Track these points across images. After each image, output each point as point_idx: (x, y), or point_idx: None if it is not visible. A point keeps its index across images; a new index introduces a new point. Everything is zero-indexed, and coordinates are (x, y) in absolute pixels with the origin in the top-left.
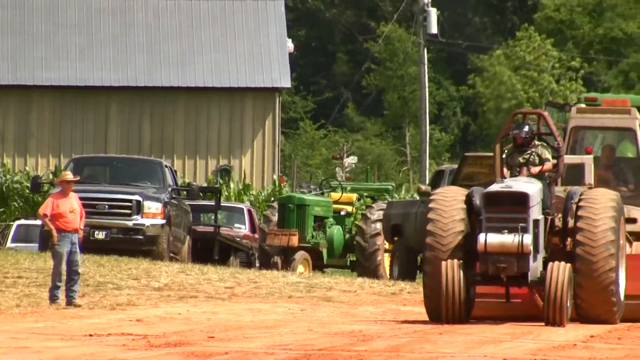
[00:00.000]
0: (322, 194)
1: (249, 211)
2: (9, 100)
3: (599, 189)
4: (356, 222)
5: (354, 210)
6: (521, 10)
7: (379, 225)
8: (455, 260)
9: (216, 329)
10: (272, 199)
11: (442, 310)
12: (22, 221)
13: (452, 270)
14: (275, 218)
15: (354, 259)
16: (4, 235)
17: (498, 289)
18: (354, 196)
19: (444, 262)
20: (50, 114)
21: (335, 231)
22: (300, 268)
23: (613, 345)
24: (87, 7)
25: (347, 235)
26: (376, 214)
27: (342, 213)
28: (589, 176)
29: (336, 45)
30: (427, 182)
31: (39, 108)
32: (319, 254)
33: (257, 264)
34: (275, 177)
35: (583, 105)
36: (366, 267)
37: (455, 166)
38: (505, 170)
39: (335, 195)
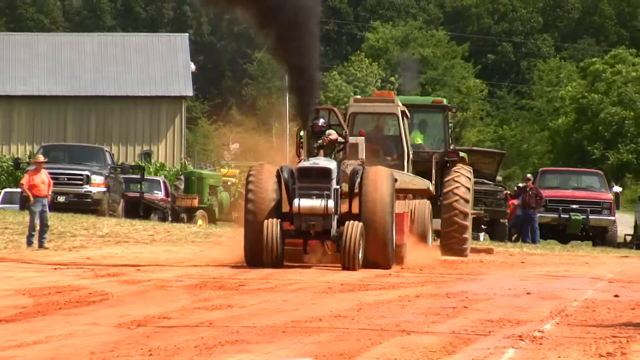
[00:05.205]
0: (215, 170)
1: (164, 182)
2: None
3: (379, 167)
4: (238, 190)
5: (236, 181)
6: (352, 42)
7: None
8: (275, 219)
9: (142, 264)
10: (180, 173)
11: (264, 257)
12: (8, 189)
13: (272, 226)
14: (182, 187)
15: (237, 215)
16: None
17: (297, 242)
18: (237, 171)
19: (266, 221)
20: (26, 115)
21: (224, 196)
22: (200, 222)
23: (416, 274)
24: (71, 42)
25: (232, 199)
26: None
27: (229, 183)
28: (362, 153)
29: (224, 66)
30: None
31: (18, 111)
32: (212, 212)
33: (170, 219)
34: (182, 158)
35: (359, 96)
36: None
37: None
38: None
39: (224, 171)
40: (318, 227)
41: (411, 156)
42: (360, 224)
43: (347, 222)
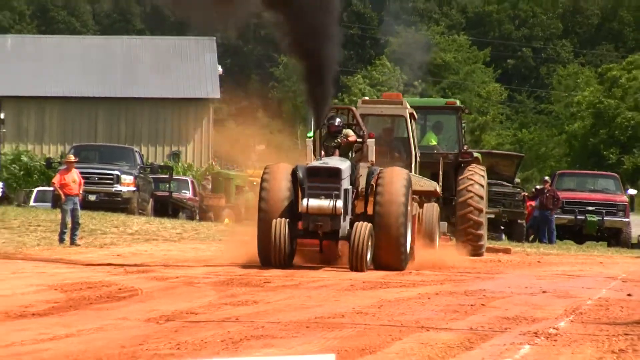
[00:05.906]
0: (241, 170)
1: (192, 182)
2: (30, 107)
3: (395, 167)
4: None
5: None
6: (376, 46)
7: None
8: (283, 219)
9: (170, 261)
10: (207, 173)
11: (271, 257)
12: (40, 188)
13: (279, 225)
14: (209, 186)
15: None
16: (28, 197)
17: (313, 242)
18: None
19: (274, 220)
20: (57, 116)
21: (250, 195)
22: (226, 220)
23: (435, 272)
24: (101, 45)
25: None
26: None
27: (255, 183)
28: (371, 155)
29: (250, 69)
30: None
31: (50, 112)
32: (239, 211)
33: (197, 218)
34: (210, 159)
35: (367, 98)
36: None
37: None
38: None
39: (250, 171)
40: (326, 228)
41: (418, 158)
42: (369, 224)
43: (356, 223)
